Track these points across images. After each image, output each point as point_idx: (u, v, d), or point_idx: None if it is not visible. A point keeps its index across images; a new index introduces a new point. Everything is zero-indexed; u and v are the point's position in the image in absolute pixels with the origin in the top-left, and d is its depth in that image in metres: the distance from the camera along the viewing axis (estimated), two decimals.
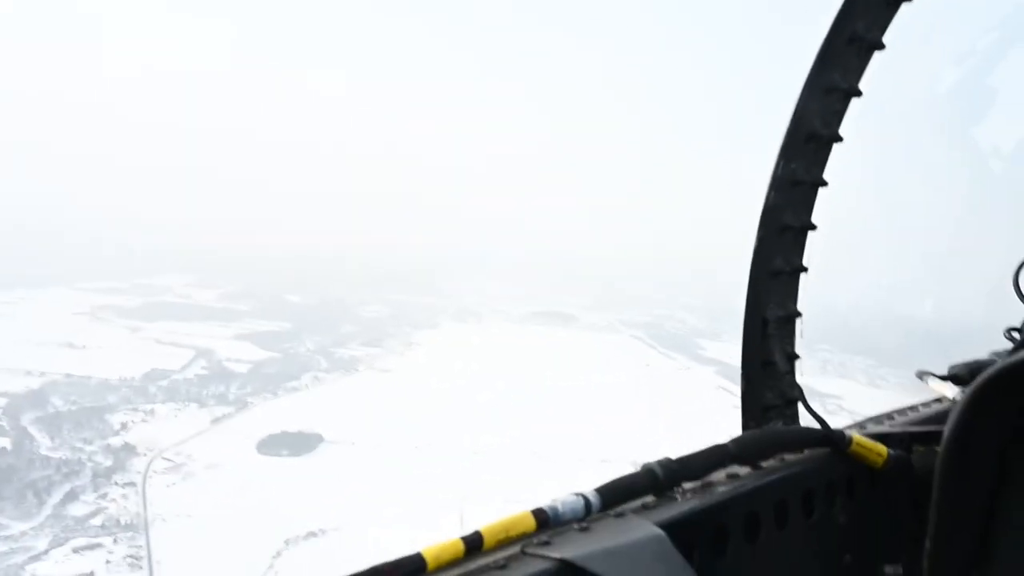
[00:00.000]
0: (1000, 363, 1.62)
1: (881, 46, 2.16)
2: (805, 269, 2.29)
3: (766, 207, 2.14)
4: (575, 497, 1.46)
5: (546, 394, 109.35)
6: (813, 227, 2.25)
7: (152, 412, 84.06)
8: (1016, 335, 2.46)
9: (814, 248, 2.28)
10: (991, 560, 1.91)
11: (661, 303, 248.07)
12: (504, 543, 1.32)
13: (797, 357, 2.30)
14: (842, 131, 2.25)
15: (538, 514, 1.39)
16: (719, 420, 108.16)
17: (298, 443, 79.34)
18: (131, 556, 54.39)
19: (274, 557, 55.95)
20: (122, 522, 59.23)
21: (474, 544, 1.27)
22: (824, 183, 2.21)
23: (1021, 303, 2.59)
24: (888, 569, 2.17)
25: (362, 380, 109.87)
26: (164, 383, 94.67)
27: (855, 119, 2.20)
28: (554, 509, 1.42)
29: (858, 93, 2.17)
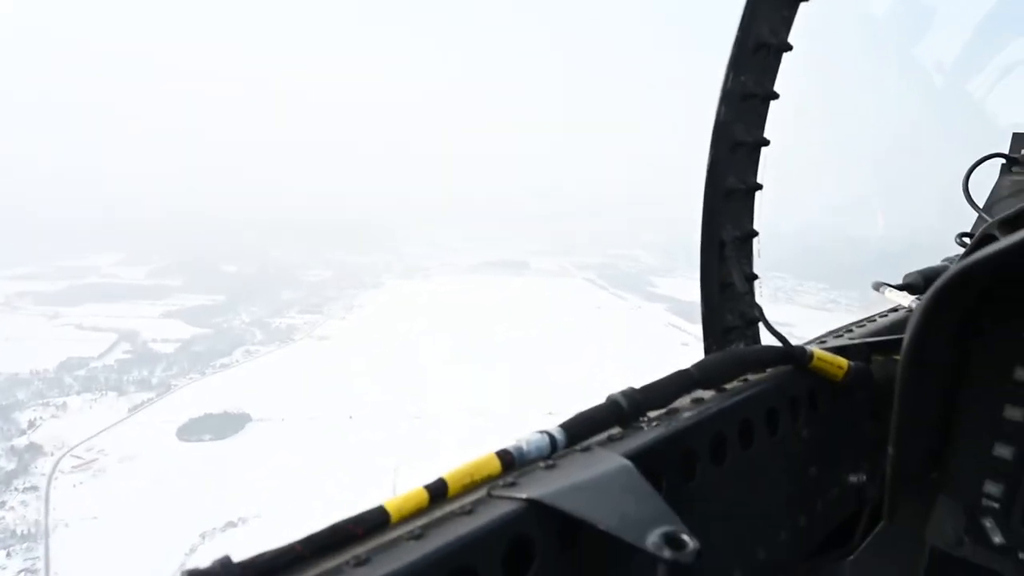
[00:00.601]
0: (952, 268, 1.62)
1: None
2: (760, 186, 2.18)
3: (717, 123, 2.02)
4: (540, 435, 1.42)
5: (492, 349, 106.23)
6: (766, 142, 2.14)
7: (64, 406, 78.68)
8: (967, 240, 2.57)
9: (764, 172, 2.19)
10: (950, 458, 2.00)
11: (616, 242, 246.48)
12: (470, 488, 1.30)
13: (756, 277, 2.22)
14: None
15: (503, 455, 1.36)
16: (669, 356, 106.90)
17: (223, 425, 75.02)
18: (25, 571, 50.14)
19: (187, 554, 52.20)
20: (19, 532, 54.73)
21: (438, 492, 1.25)
22: (775, 95, 2.09)
23: (971, 208, 2.67)
24: (852, 478, 2.21)
25: (298, 350, 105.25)
26: (81, 372, 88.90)
27: (797, 40, 2.10)
28: (519, 449, 1.39)
29: None
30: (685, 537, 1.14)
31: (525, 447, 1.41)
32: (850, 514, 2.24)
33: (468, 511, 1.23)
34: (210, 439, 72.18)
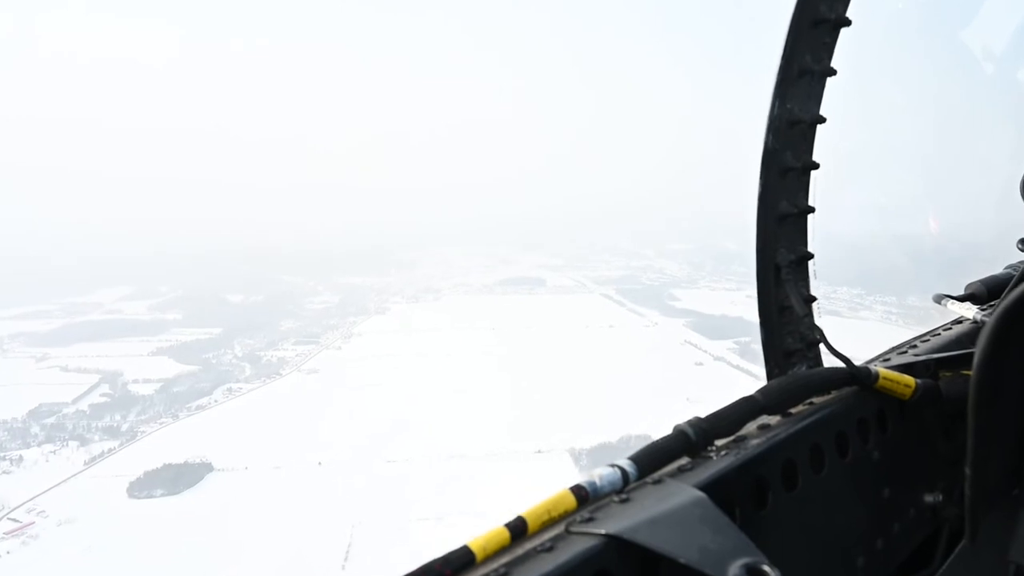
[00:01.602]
0: (1022, 286, 1.61)
1: None
2: (812, 209, 2.20)
3: (766, 151, 2.06)
4: (612, 469, 1.45)
5: (488, 378, 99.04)
6: (816, 166, 2.17)
7: (20, 459, 74.14)
8: None
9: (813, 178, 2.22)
10: None
11: (639, 253, 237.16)
12: (548, 524, 1.32)
13: (814, 299, 2.23)
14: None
15: (577, 491, 1.38)
16: (678, 380, 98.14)
17: (180, 477, 69.39)
18: None
19: None
20: None
21: (518, 529, 1.27)
22: (822, 119, 2.14)
23: None
24: (928, 498, 2.15)
25: (282, 386, 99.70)
26: (51, 420, 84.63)
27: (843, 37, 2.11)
28: (592, 484, 1.41)
29: (846, 23, 2.11)
30: (767, 568, 1.16)
31: (598, 482, 1.42)
32: (929, 534, 2.18)
33: (549, 548, 1.24)
34: (162, 495, 66.59)
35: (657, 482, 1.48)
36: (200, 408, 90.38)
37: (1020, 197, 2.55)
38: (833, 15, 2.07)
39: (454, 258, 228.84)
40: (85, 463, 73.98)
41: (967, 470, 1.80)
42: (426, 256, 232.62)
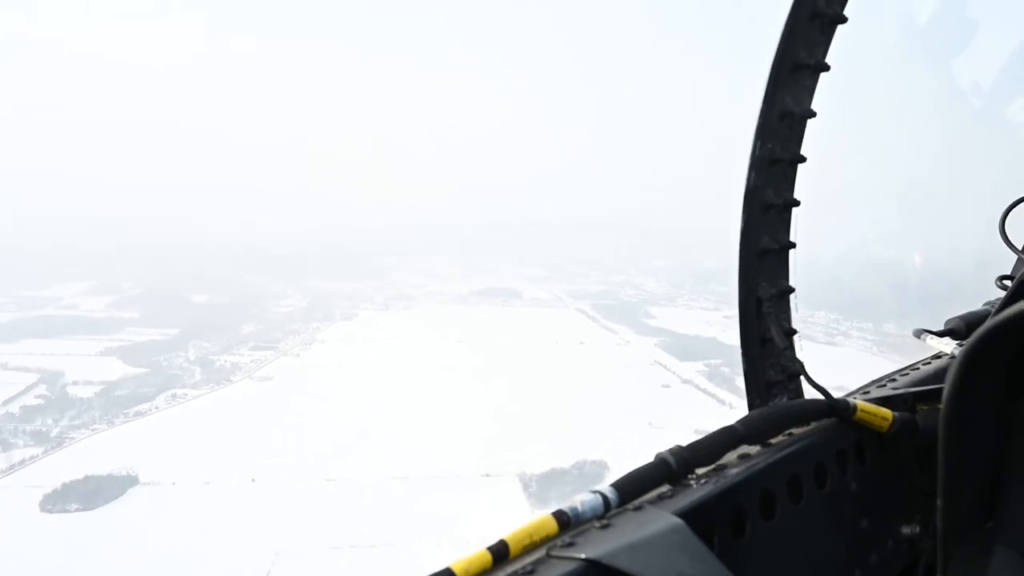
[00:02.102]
0: (993, 319, 1.65)
1: (843, 20, 2.18)
2: (793, 245, 2.29)
3: (748, 188, 2.13)
4: (593, 495, 1.48)
5: (445, 393, 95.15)
6: (796, 203, 2.25)
7: None
8: (1008, 283, 2.53)
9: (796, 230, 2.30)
10: (1005, 508, 1.96)
11: (620, 268, 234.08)
12: (529, 548, 1.35)
13: (795, 332, 2.29)
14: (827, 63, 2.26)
15: (559, 516, 1.41)
16: (641, 405, 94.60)
17: (100, 491, 65.09)
18: None
19: None
20: None
21: (500, 553, 1.30)
22: (803, 159, 2.22)
23: (1009, 250, 2.66)
24: (905, 529, 2.19)
25: (230, 394, 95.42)
26: None
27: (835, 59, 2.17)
28: (574, 509, 1.44)
29: (825, 68, 2.20)
30: None
31: (580, 507, 1.44)
32: (906, 566, 2.20)
33: (530, 572, 1.27)
34: (76, 509, 62.30)
35: (638, 508, 1.50)
36: (139, 414, 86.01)
37: (998, 235, 2.56)
38: (812, 60, 2.11)
39: (434, 265, 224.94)
40: (1, 471, 69.49)
41: (939, 502, 1.85)
42: (407, 262, 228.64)
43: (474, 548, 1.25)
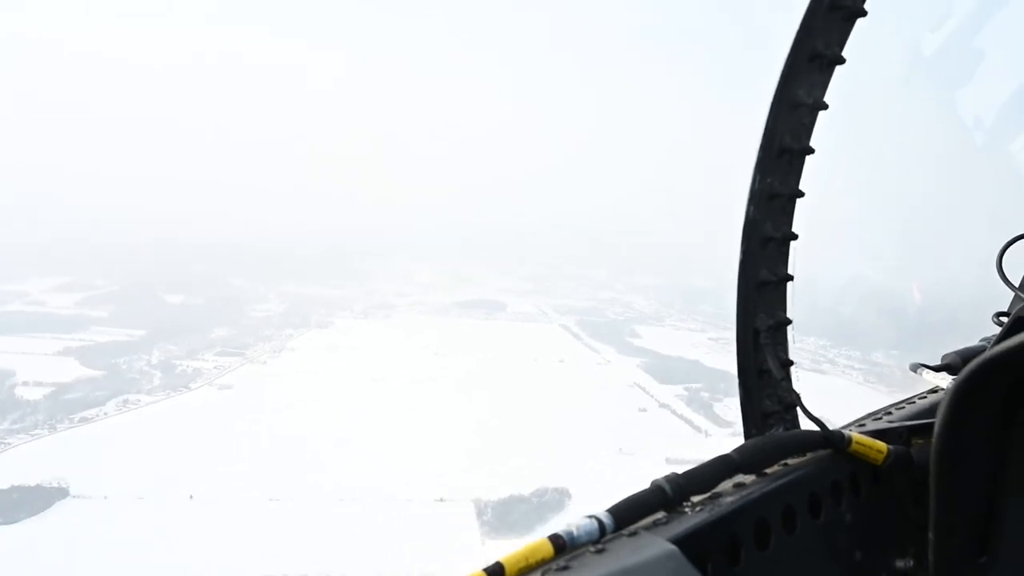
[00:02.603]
0: (983, 355, 1.67)
1: (841, 60, 2.20)
2: (791, 277, 2.32)
3: (746, 221, 2.17)
4: (589, 520, 1.51)
5: (408, 418, 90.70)
6: (795, 236, 2.28)
7: None
8: (1004, 319, 2.55)
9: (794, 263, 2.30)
10: (997, 547, 1.95)
11: (609, 285, 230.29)
12: (525, 571, 1.37)
13: (791, 363, 2.32)
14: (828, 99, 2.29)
15: (555, 540, 1.44)
16: (612, 431, 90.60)
17: (25, 503, 61.17)
18: None
19: None
20: None
21: (496, 575, 1.32)
22: (801, 194, 2.26)
23: (1006, 287, 2.67)
24: (899, 563, 2.18)
25: (186, 402, 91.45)
26: None
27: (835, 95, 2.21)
28: (570, 533, 1.47)
29: (824, 107, 2.23)
30: None
31: (576, 532, 1.46)
32: None
33: None
34: None
35: (632, 534, 1.51)
36: (84, 420, 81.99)
37: (996, 271, 2.58)
38: (811, 99, 2.15)
39: (420, 273, 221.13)
40: None
41: (930, 536, 1.85)
42: (392, 268, 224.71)
43: (470, 570, 1.26)
